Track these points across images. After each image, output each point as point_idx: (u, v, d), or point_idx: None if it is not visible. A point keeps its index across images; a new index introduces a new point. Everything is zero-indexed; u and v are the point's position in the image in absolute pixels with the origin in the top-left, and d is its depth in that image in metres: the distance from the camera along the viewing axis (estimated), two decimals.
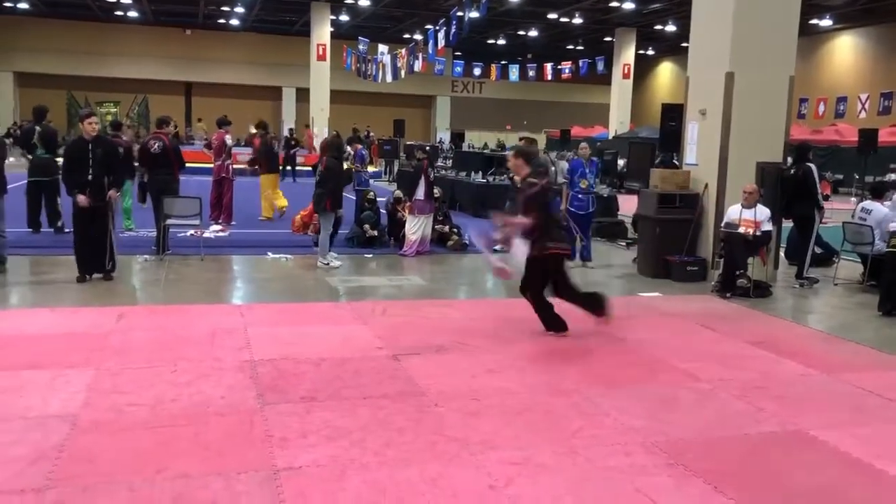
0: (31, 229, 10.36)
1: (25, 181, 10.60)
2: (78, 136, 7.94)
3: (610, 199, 14.45)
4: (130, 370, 5.09)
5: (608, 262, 10.40)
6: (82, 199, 7.53)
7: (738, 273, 8.23)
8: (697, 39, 9.56)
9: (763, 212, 8.34)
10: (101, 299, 7.28)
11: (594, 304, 6.44)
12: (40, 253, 9.32)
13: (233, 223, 11.87)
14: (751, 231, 8.24)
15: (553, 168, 13.98)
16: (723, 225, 8.57)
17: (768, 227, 8.38)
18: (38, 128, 10.26)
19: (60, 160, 10.73)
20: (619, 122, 33.23)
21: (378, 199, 11.69)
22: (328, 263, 9.17)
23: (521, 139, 11.14)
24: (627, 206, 13.70)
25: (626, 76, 33.56)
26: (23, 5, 33.39)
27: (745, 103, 8.88)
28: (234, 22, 35.37)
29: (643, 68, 39.50)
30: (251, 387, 4.87)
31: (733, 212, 8.48)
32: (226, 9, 32.44)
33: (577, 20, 30.38)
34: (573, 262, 9.75)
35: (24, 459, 3.67)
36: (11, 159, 13.95)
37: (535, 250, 6.19)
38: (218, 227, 11.26)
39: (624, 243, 11.90)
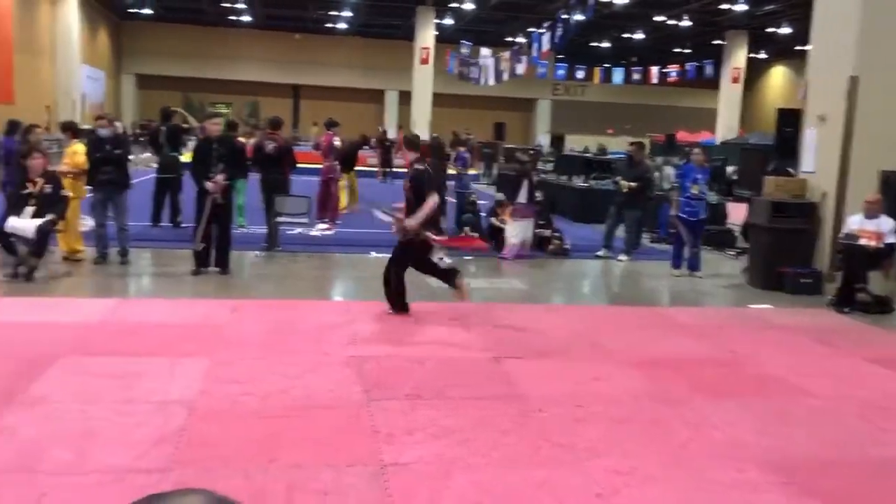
0: (152, 223, 10.92)
1: (146, 177, 11.19)
2: (204, 136, 8.36)
3: (718, 207, 13.99)
4: (244, 361, 5.28)
5: (716, 271, 10.09)
6: (211, 185, 7.90)
7: (857, 287, 7.83)
8: (818, 41, 9.16)
9: (887, 223, 7.91)
10: (216, 292, 7.61)
11: (450, 276, 6.98)
12: (159, 246, 9.81)
13: (338, 222, 12.15)
14: (872, 243, 7.82)
15: (658, 173, 13.72)
16: (842, 236, 8.18)
17: (892, 239, 7.94)
18: (163, 128, 10.84)
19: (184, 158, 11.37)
20: (727, 127, 32.19)
21: (478, 201, 11.73)
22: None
23: (630, 144, 10.97)
24: (736, 214, 13.24)
25: (735, 80, 32.47)
26: (146, 11, 35.26)
27: (869, 108, 8.44)
28: (342, 26, 36.24)
29: (754, 72, 38.11)
30: (357, 382, 4.97)
31: (854, 222, 8.07)
32: (334, 13, 33.27)
33: (686, 22, 29.61)
34: (679, 271, 9.54)
35: (148, 441, 3.87)
36: (146, 154, 14.74)
37: (414, 235, 6.71)
38: (324, 226, 11.56)
39: (733, 252, 11.51)
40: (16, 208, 7.57)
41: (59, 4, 30.08)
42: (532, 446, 4.10)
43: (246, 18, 35.79)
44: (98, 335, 5.76)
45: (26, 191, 7.66)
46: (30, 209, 7.60)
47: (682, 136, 30.97)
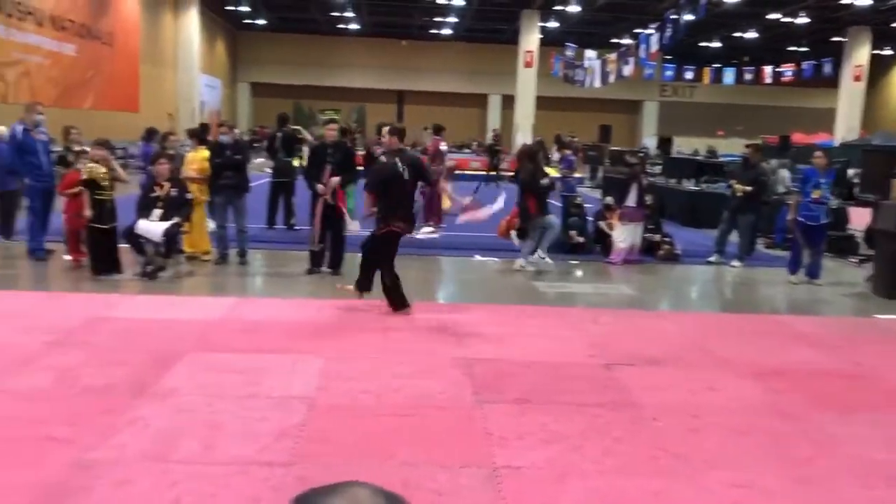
0: (266, 226, 11.35)
1: (263, 181, 11.63)
2: (320, 141, 8.66)
3: (840, 212, 13.33)
4: (358, 360, 5.42)
5: (837, 279, 9.61)
6: (321, 187, 8.17)
7: None
8: None
9: None
10: (330, 292, 7.83)
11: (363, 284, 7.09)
12: (274, 248, 10.19)
13: (442, 226, 12.28)
14: None
15: (773, 177, 13.21)
16: None
17: None
18: (279, 133, 11.27)
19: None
20: (847, 128, 30.58)
21: (584, 205, 11.59)
22: (544, 258, 9.27)
23: (746, 146, 10.61)
24: (859, 219, 12.58)
25: (857, 79, 30.79)
26: (261, 22, 36.70)
27: None
28: (446, 32, 36.59)
29: (877, 69, 36.05)
30: (467, 384, 5.02)
31: None
32: (439, 19, 33.65)
33: (802, 20, 28.35)
34: (797, 277, 9.15)
35: (271, 435, 4.03)
36: (259, 160, 15.37)
37: (379, 227, 6.76)
38: (429, 230, 11.71)
39: (856, 260, 10.94)
40: (145, 211, 8.03)
41: (181, 17, 31.70)
42: (646, 455, 4.03)
43: (354, 27, 36.69)
44: (220, 332, 6.04)
45: (154, 194, 8.11)
46: (157, 212, 8.04)
47: (798, 137, 29.66)
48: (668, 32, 16.71)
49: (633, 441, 4.21)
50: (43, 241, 8.73)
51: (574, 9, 27.45)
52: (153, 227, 7.91)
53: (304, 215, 10.06)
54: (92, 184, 7.85)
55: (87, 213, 7.83)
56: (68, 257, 8.49)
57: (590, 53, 24.12)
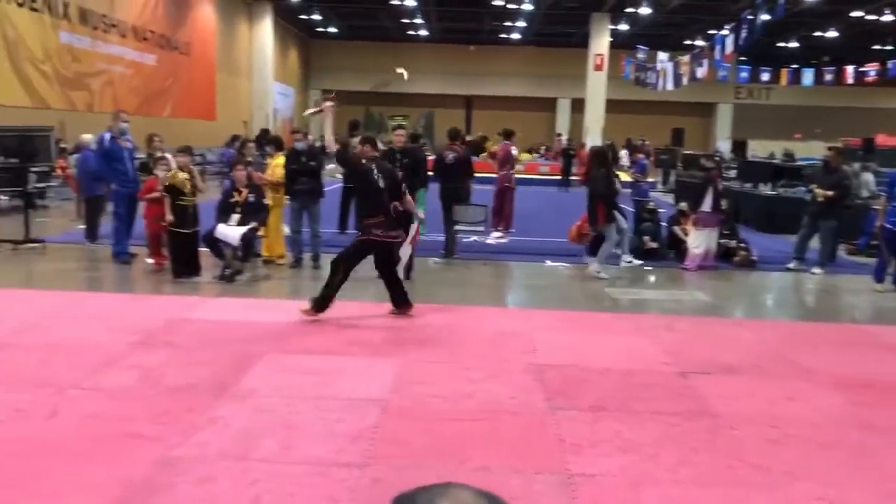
0: (338, 230, 11.53)
1: (335, 186, 11.82)
2: (389, 147, 8.77)
3: None
4: (429, 363, 5.46)
5: None
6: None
7: None
8: None
9: None
10: None
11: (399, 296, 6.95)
12: None
13: (511, 230, 12.27)
14: None
15: (856, 180, 12.75)
16: None
17: None
18: (352, 139, 11.43)
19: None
20: None
21: (658, 210, 11.41)
22: (598, 273, 9.16)
23: (828, 149, 10.27)
24: None
25: None
26: (332, 29, 37.36)
27: None
28: (515, 36, 36.54)
29: None
30: (539, 390, 4.99)
31: None
32: (508, 24, 33.63)
33: (888, 17, 27.28)
34: (883, 286, 8.81)
35: (346, 436, 4.09)
36: (330, 165, 15.62)
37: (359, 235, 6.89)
38: (498, 234, 11.71)
39: None
40: (224, 215, 8.26)
41: (255, 27, 32.51)
42: (724, 465, 3.94)
43: (423, 33, 36.99)
44: (296, 334, 6.17)
45: (233, 199, 8.34)
46: (235, 216, 8.26)
47: (883, 139, 28.52)
48: (744, 33, 16.29)
49: (710, 450, 4.11)
50: (127, 244, 9.07)
51: (646, 11, 27.06)
52: (231, 231, 8.14)
53: None
54: (173, 189, 8.14)
55: (169, 217, 8.12)
56: (150, 260, 8.81)
57: (662, 56, 23.73)
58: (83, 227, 10.57)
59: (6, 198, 13.12)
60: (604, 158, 9.54)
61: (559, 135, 31.55)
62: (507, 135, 12.46)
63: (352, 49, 40.30)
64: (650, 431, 4.34)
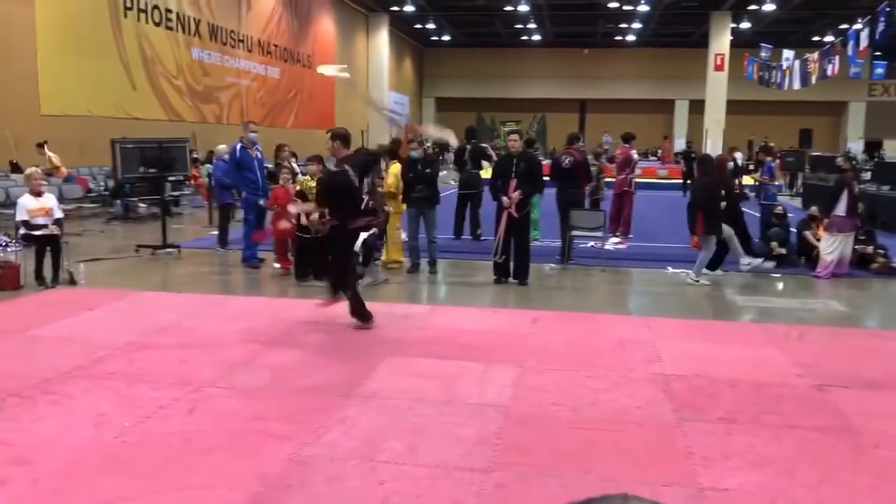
0: (454, 236, 11.64)
1: (450, 192, 11.95)
2: (506, 153, 8.79)
3: None
4: (550, 371, 5.42)
5: None
6: (505, 200, 8.27)
7: None
8: None
9: None
10: (517, 302, 7.91)
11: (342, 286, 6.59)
12: (461, 257, 10.43)
13: (630, 236, 12.02)
14: None
15: None
16: None
17: None
18: (468, 146, 11.57)
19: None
20: None
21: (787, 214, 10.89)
22: (697, 281, 8.83)
23: None
24: None
25: None
26: (446, 38, 37.80)
27: None
28: (630, 38, 35.88)
29: None
30: (665, 401, 4.86)
31: None
32: (623, 26, 33.06)
33: None
34: None
35: (470, 441, 4.11)
36: (443, 172, 15.83)
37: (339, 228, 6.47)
38: (617, 240, 11.50)
39: None
40: None
41: (373, 37, 33.33)
42: (868, 486, 3.71)
43: (536, 38, 36.88)
44: (416, 338, 6.25)
45: None
46: None
47: None
48: (881, 27, 15.34)
49: (854, 469, 3.88)
50: (256, 250, 9.48)
51: (769, 7, 25.96)
52: None
53: (490, 226, 10.23)
54: (303, 196, 8.46)
55: (293, 222, 8.44)
56: (277, 265, 9.17)
57: (787, 54, 22.64)
58: (214, 233, 11.14)
59: (145, 206, 13.98)
60: (708, 166, 9.24)
61: (665, 138, 30.71)
62: (627, 139, 12.24)
63: (464, 56, 40.66)
64: (785, 446, 4.15)
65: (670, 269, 9.75)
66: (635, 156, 11.99)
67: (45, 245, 8.11)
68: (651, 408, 4.72)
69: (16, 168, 13.47)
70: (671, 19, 30.89)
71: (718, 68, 29.61)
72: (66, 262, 8.34)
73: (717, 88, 29.99)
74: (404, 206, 9.40)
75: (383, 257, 9.43)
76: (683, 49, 36.68)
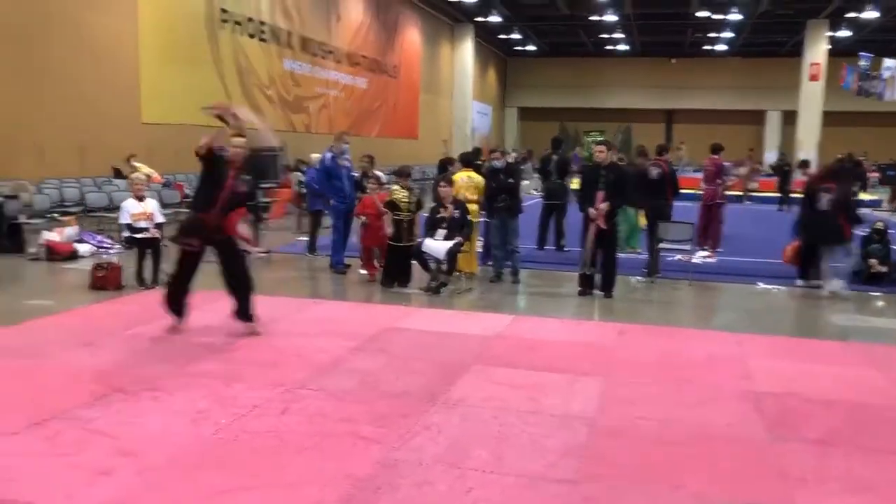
0: (536, 247, 11.61)
1: (533, 202, 11.92)
2: (594, 163, 8.74)
3: None
4: (637, 384, 5.35)
5: None
6: (592, 211, 8.22)
7: None
8: None
9: None
10: (602, 314, 7.84)
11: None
12: (545, 268, 10.39)
13: (719, 250, 11.73)
14: None
15: None
16: None
17: None
18: (554, 156, 11.54)
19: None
20: None
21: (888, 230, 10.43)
22: (836, 293, 8.53)
23: None
24: None
25: None
26: (531, 48, 37.76)
27: None
28: (720, 48, 35.06)
29: None
30: (757, 419, 4.73)
31: None
32: (713, 35, 32.34)
33: None
34: None
35: (556, 452, 4.10)
36: (525, 182, 15.86)
37: None
38: (705, 253, 11.24)
39: None
40: (431, 230, 8.61)
41: (457, 48, 33.59)
42: None
43: (622, 48, 36.45)
44: (500, 347, 6.27)
45: (439, 215, 8.67)
46: (441, 231, 8.58)
47: None
48: None
49: None
50: (343, 256, 9.70)
51: (871, 15, 24.91)
52: (437, 245, 8.46)
53: (573, 237, 10.16)
54: (393, 205, 8.67)
55: (388, 230, 8.65)
56: (363, 271, 9.35)
57: (889, 63, 21.80)
58: (303, 239, 11.43)
59: None
60: (843, 175, 9.07)
61: (751, 150, 29.82)
62: (715, 149, 11.96)
63: (549, 66, 40.54)
64: (888, 472, 3.98)
65: (761, 285, 9.46)
66: (728, 164, 11.70)
67: (146, 248, 8.50)
68: (742, 425, 4.61)
69: (118, 174, 14.17)
70: (764, 28, 30.04)
71: (814, 78, 28.64)
72: (164, 265, 8.71)
73: (811, 99, 29.00)
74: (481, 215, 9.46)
75: (463, 266, 9.48)
76: (776, 59, 35.60)
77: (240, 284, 6.35)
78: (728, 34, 31.48)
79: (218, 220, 6.21)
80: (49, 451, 3.92)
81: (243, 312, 6.35)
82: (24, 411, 4.42)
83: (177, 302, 6.37)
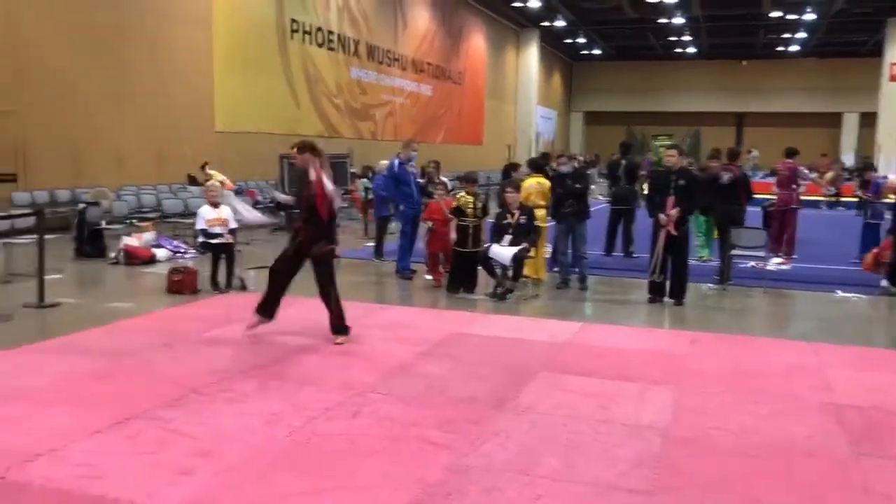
0: (604, 253, 11.48)
1: (600, 207, 11.80)
2: (664, 168, 8.60)
3: None
4: (710, 394, 5.23)
5: None
6: (663, 217, 8.08)
7: None
8: None
9: None
10: (673, 322, 7.71)
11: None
12: (612, 275, 10.27)
13: (794, 256, 11.40)
14: None
15: None
16: None
17: None
18: (623, 161, 11.42)
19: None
20: None
21: None
22: None
23: None
24: None
25: None
26: (596, 52, 37.41)
27: None
28: (793, 48, 34.11)
29: None
30: (838, 432, 4.57)
31: None
32: (786, 35, 31.48)
33: None
34: None
35: (628, 462, 4.04)
36: (592, 186, 15.71)
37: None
38: (779, 260, 10.93)
39: None
40: (497, 236, 8.61)
41: (523, 52, 33.55)
42: None
43: (691, 50, 35.80)
44: (568, 354, 6.22)
45: (505, 221, 8.67)
46: (507, 237, 8.57)
47: None
48: None
49: None
50: (410, 262, 9.78)
51: None
52: (504, 251, 8.45)
53: (642, 243, 10.01)
54: (459, 211, 8.70)
55: (453, 236, 8.69)
56: (429, 277, 9.41)
57: None
58: (370, 244, 11.57)
59: None
60: None
61: (824, 155, 28.84)
62: (790, 153, 11.64)
63: (615, 69, 40.11)
64: None
65: (839, 293, 9.15)
66: (805, 171, 11.36)
67: (221, 252, 8.73)
68: (822, 438, 4.46)
69: (193, 181, 14.60)
70: (840, 27, 29.11)
71: (894, 78, 27.56)
72: (238, 269, 8.94)
73: (892, 100, 27.92)
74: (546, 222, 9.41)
75: (529, 272, 9.44)
76: (854, 59, 34.42)
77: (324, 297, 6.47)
78: (801, 34, 30.61)
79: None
80: (131, 449, 4.06)
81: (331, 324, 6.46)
82: (107, 410, 4.59)
83: (273, 303, 6.53)
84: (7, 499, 3.50)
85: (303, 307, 7.19)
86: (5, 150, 12.84)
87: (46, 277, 7.95)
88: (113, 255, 10.72)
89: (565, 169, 9.40)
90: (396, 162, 9.79)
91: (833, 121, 37.30)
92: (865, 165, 15.22)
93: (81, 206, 11.34)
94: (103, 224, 11.35)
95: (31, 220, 8.65)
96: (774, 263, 10.64)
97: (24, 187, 13.22)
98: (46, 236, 8.22)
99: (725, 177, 9.80)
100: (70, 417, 4.48)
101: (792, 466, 4.06)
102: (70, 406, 4.69)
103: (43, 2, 13.24)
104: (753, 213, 11.52)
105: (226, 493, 3.58)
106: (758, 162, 30.45)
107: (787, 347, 6.70)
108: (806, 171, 11.57)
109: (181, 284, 8.47)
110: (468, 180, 9.18)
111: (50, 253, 8.53)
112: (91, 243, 10.97)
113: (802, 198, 12.24)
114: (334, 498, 3.57)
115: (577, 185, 9.26)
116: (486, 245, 8.63)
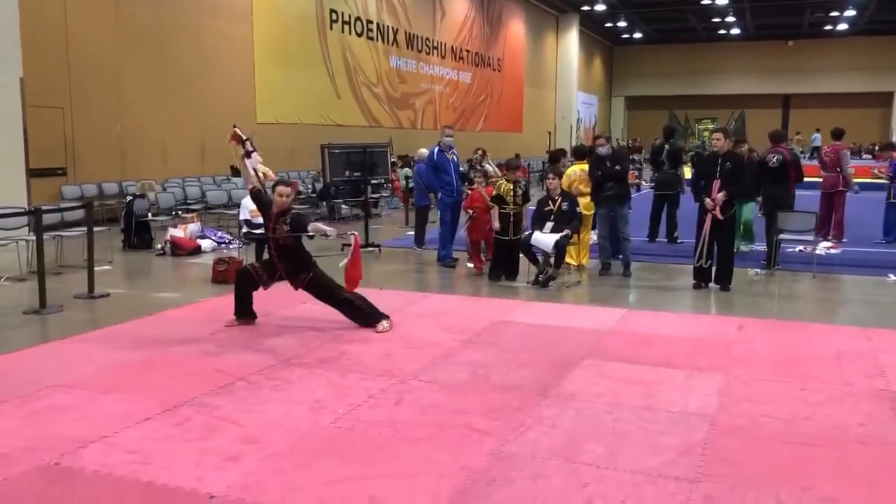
0: (647, 238, 11.33)
1: (639, 193, 11.64)
2: (711, 151, 8.44)
3: None
4: (758, 381, 5.14)
5: None
6: (709, 202, 7.94)
7: None
8: None
9: None
10: (719, 308, 7.57)
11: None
12: (656, 261, 10.13)
13: (843, 240, 11.12)
14: None
15: None
16: None
17: None
18: (667, 146, 11.25)
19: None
20: None
21: None
22: None
23: None
24: None
25: None
26: (637, 35, 36.86)
27: None
28: (842, 27, 33.19)
29: None
30: (894, 420, 4.45)
31: None
32: (834, 14, 30.65)
33: None
34: None
35: (674, 450, 3.99)
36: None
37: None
38: (828, 244, 10.67)
39: None
40: (539, 223, 8.55)
41: (562, 37, 33.22)
42: None
43: (735, 31, 35.08)
44: (612, 341, 6.16)
45: (547, 208, 8.60)
46: (549, 224, 8.50)
47: None
48: None
49: None
50: (451, 250, 9.77)
51: None
52: (545, 238, 8.39)
53: (686, 228, 9.86)
54: (500, 199, 8.65)
55: (495, 224, 8.64)
56: (470, 265, 9.39)
57: None
58: (411, 233, 11.59)
59: (347, 207, 14.82)
60: None
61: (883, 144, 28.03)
62: (838, 134, 11.34)
63: (656, 53, 39.52)
64: None
65: (892, 277, 8.91)
66: (848, 155, 11.07)
67: (264, 243, 8.81)
68: (877, 426, 4.35)
69: (236, 173, 14.76)
70: (891, 4, 28.21)
71: None
72: None
73: None
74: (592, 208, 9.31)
75: (572, 258, 9.36)
76: None
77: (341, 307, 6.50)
78: (851, 12, 29.75)
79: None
80: (180, 436, 4.13)
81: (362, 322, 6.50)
82: (156, 398, 4.67)
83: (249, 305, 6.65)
84: (62, 484, 3.58)
85: None
86: (55, 145, 13.14)
87: (96, 269, 8.13)
88: (159, 246, 10.91)
89: (603, 151, 9.21)
90: (436, 150, 9.77)
91: (884, 101, 36.25)
92: (888, 145, 14.70)
93: (128, 198, 11.57)
94: (150, 216, 11.55)
95: (80, 213, 8.83)
96: (824, 247, 10.39)
97: (73, 181, 13.53)
98: (95, 228, 8.39)
99: (774, 159, 9.58)
100: (120, 405, 4.57)
101: (845, 454, 3.97)
102: (120, 394, 4.79)
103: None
104: (807, 197, 11.26)
105: (271, 478, 3.62)
106: (803, 143, 29.79)
107: (837, 333, 6.54)
108: (849, 156, 11.23)
109: (226, 274, 8.58)
110: (509, 167, 9.10)
111: (98, 244, 8.72)
112: (138, 235, 11.18)
113: (857, 180, 11.88)
114: (378, 485, 3.58)
115: (617, 167, 9.11)
116: (527, 232, 8.57)
